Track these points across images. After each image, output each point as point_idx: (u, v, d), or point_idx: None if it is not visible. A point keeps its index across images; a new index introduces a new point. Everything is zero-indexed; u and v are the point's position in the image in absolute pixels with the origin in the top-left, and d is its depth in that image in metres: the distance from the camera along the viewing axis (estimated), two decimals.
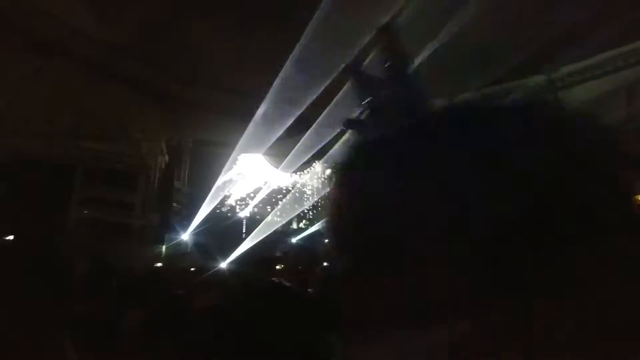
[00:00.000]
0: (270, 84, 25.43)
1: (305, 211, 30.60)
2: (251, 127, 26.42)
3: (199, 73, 25.24)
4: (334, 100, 22.52)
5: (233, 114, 26.63)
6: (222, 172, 28.82)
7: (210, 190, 28.03)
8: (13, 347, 0.91)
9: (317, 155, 26.83)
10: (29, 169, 20.84)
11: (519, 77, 23.63)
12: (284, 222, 29.31)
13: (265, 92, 25.98)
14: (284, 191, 29.53)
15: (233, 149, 28.89)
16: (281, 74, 24.04)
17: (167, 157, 26.72)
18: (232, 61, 24.18)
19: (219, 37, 22.45)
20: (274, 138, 25.69)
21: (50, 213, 20.88)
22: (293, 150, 25.75)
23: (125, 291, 2.63)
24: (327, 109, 22.92)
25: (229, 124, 26.58)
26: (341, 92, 22.53)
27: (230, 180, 28.75)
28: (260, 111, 24.64)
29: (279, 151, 26.49)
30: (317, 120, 23.38)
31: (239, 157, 29.29)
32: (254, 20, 21.91)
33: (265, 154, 28.12)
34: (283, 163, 27.37)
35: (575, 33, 18.07)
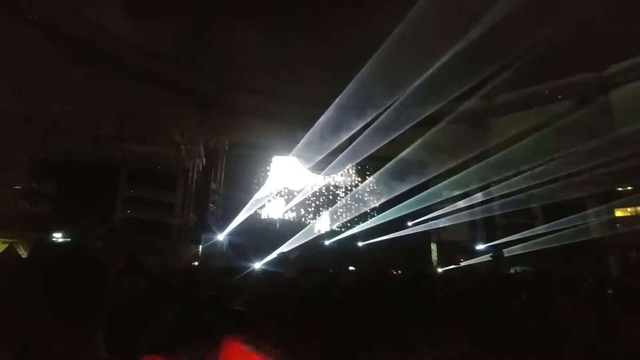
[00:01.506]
0: (305, 89, 25.79)
1: (338, 214, 30.49)
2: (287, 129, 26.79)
3: (235, 78, 25.90)
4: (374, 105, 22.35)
5: (268, 118, 27.09)
6: (257, 174, 29.34)
7: (245, 191, 28.57)
8: (43, 346, 0.88)
9: (353, 159, 26.73)
10: (78, 169, 22.14)
11: (568, 75, 22.50)
12: (317, 224, 29.34)
13: (301, 98, 26.36)
14: (318, 194, 29.61)
15: (268, 151, 29.37)
16: (318, 80, 24.34)
17: (204, 159, 27.52)
18: (268, 67, 24.66)
19: (258, 43, 22.99)
20: (309, 141, 25.84)
21: (96, 211, 22.05)
22: (328, 154, 25.77)
23: (156, 290, 2.64)
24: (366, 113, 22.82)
25: (264, 127, 27.05)
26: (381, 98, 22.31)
27: (265, 182, 29.16)
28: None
29: (313, 154, 26.54)
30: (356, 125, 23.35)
31: (273, 159, 29.71)
32: (293, 30, 22.30)
33: (299, 156, 28.26)
34: (318, 166, 27.47)
35: (628, 30, 16.92)
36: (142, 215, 23.70)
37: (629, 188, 22.85)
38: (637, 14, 16.26)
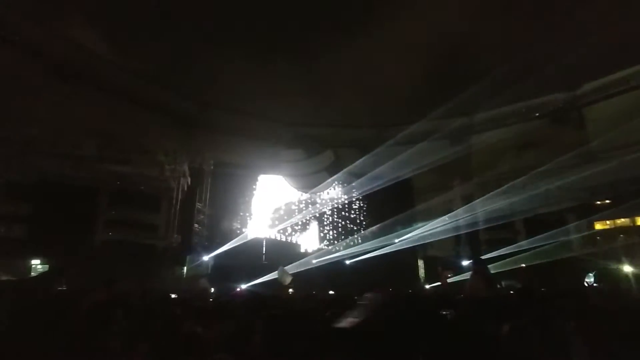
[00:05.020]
0: (288, 108, 25.94)
1: (325, 234, 30.34)
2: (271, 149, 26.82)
3: (219, 97, 25.83)
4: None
5: (252, 137, 27.04)
6: (243, 194, 29.05)
7: (231, 211, 28.18)
8: None
9: (339, 176, 26.85)
10: (56, 191, 21.49)
11: (544, 94, 23.29)
12: (305, 245, 29.11)
13: (285, 116, 26.48)
14: (304, 213, 29.45)
15: (253, 170, 29.20)
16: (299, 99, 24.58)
17: (189, 179, 27.15)
18: (251, 86, 24.70)
19: (240, 63, 23.05)
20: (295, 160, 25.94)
21: (76, 234, 21.37)
22: (314, 171, 25.83)
23: (134, 323, 2.49)
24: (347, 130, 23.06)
25: (249, 147, 26.95)
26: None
27: (252, 202, 28.88)
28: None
29: (300, 172, 26.53)
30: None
31: (259, 179, 29.51)
32: (273, 50, 22.54)
33: (286, 175, 28.16)
34: (304, 184, 27.43)
35: (599, 49, 17.73)
36: (124, 237, 23.10)
37: (607, 201, 23.51)
38: (606, 37, 17.13)
